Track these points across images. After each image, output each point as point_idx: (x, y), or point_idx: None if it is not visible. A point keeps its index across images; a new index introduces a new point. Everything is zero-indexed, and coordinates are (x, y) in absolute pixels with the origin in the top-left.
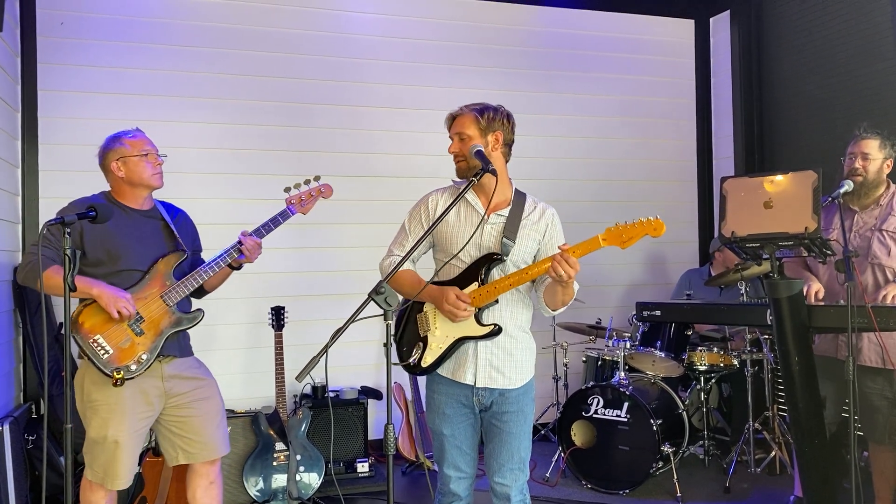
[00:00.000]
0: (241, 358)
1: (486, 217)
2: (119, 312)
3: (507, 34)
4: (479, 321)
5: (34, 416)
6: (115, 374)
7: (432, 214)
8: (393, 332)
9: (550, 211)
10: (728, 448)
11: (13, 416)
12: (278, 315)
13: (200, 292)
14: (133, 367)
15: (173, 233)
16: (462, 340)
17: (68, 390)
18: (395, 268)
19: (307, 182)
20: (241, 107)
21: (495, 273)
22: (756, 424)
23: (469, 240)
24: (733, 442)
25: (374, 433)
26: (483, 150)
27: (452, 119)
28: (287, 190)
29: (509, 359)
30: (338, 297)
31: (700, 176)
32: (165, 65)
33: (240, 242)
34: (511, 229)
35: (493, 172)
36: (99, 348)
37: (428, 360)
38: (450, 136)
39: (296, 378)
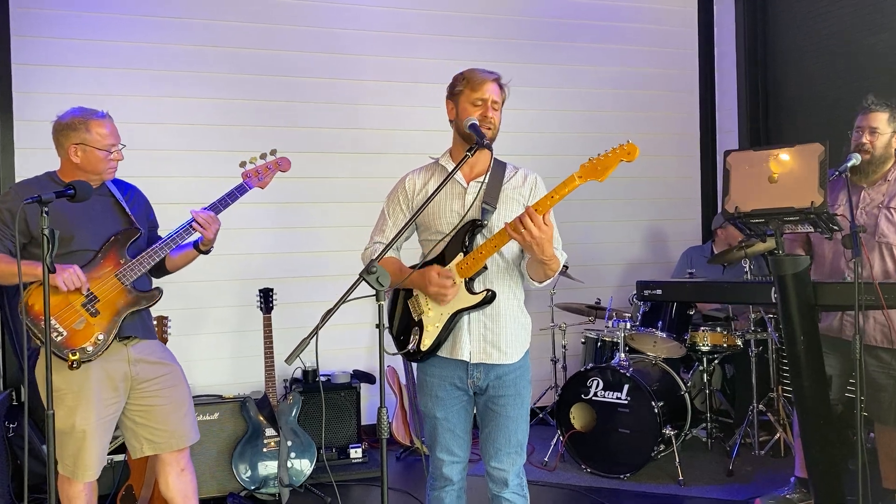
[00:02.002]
0: (229, 342)
1: (466, 187)
2: (65, 284)
3: (500, 3)
4: (470, 290)
5: (15, 403)
6: (70, 356)
7: (411, 196)
8: (387, 314)
9: (534, 175)
10: (731, 430)
11: None
12: (267, 297)
13: (162, 271)
14: (89, 349)
15: (125, 210)
16: (458, 315)
17: (49, 374)
18: (381, 252)
19: (263, 156)
20: (215, 80)
21: (480, 241)
22: (760, 406)
23: (464, 217)
24: (737, 424)
25: (367, 418)
26: (478, 122)
27: (495, 82)
28: (242, 165)
29: (503, 332)
30: (328, 278)
31: (703, 150)
32: (139, 37)
33: (192, 219)
34: (491, 194)
35: (489, 147)
36: (52, 331)
37: (426, 342)
38: (478, 99)
39: (285, 361)
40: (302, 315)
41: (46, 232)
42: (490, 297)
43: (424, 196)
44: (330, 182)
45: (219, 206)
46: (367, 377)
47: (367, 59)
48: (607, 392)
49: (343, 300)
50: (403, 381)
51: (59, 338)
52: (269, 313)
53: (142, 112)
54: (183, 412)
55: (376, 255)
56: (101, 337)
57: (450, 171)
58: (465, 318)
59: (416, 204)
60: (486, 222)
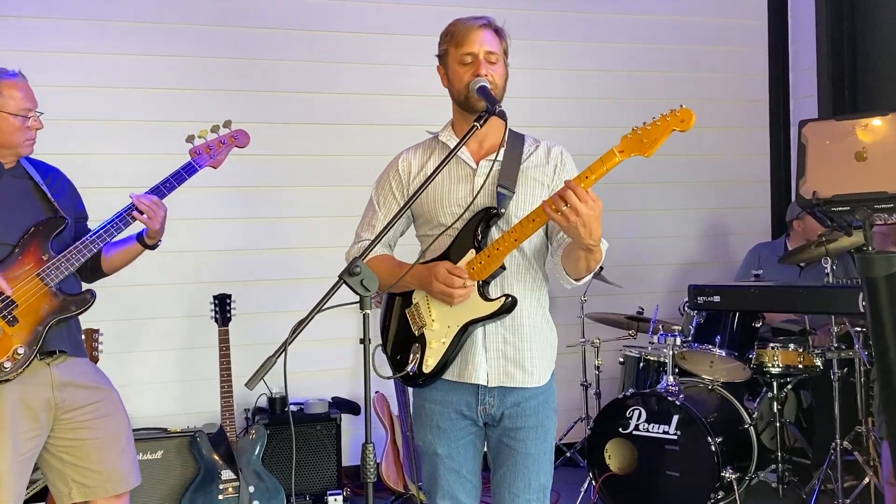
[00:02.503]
0: (175, 361)
1: (476, 167)
2: None
3: None
4: (484, 296)
5: None
6: None
7: (407, 180)
8: (380, 328)
9: (558, 148)
10: (808, 474)
11: None
12: (223, 306)
13: (96, 273)
14: (7, 366)
15: (47, 195)
16: (470, 327)
17: None
18: (367, 248)
19: (215, 129)
20: (155, 30)
21: (495, 234)
22: (845, 443)
23: (473, 204)
24: (815, 466)
25: (349, 458)
26: (487, 85)
27: (486, 28)
28: (190, 139)
29: (527, 346)
30: (300, 281)
31: (773, 121)
32: None
33: (132, 205)
34: (508, 175)
35: (503, 115)
36: None
37: (430, 362)
38: (466, 55)
39: (246, 385)
40: (267, 328)
41: None
42: (510, 305)
43: (423, 179)
44: (302, 161)
45: (162, 189)
46: (350, 406)
47: (350, 5)
48: (652, 425)
49: (318, 309)
50: (395, 410)
51: None
52: (227, 325)
53: (61, 72)
54: (120, 448)
55: (361, 253)
56: (21, 350)
57: (451, 144)
58: (479, 331)
59: (412, 190)
60: (502, 210)
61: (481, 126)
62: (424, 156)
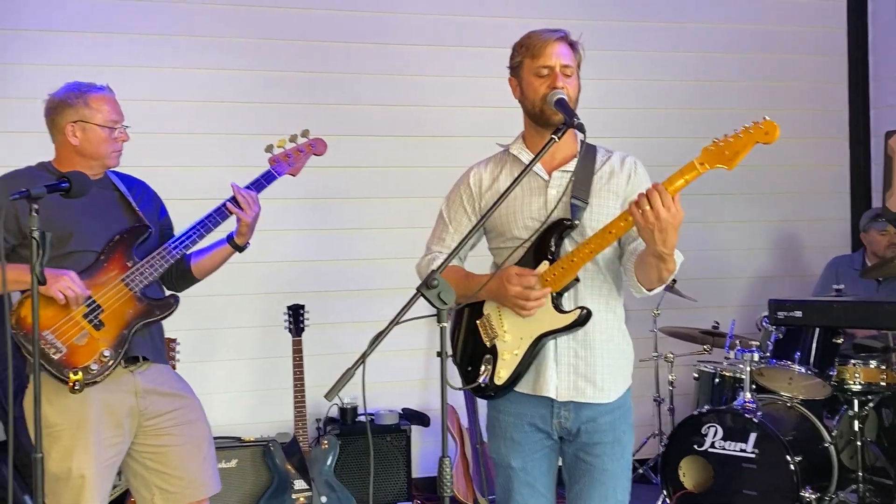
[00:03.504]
0: (249, 371)
1: (548, 179)
2: (62, 293)
3: None
4: (558, 308)
5: None
6: (70, 376)
7: (477, 195)
8: (448, 340)
9: (631, 159)
10: (891, 494)
11: None
12: (297, 316)
13: (186, 279)
14: (94, 368)
15: (132, 205)
16: (543, 339)
17: (38, 409)
18: (443, 261)
19: (293, 138)
20: (229, 46)
21: (568, 246)
22: None
23: (549, 217)
24: None
25: (419, 469)
26: (565, 97)
27: (562, 41)
28: (269, 149)
29: (599, 361)
30: (373, 293)
31: (852, 131)
32: None
33: (232, 197)
34: (581, 187)
35: (582, 128)
36: (48, 347)
37: (503, 374)
38: (543, 68)
39: (325, 396)
40: (339, 338)
41: (36, 234)
42: (584, 318)
43: (495, 194)
44: (373, 172)
45: (253, 189)
46: (420, 417)
47: (421, 18)
48: (728, 442)
49: (396, 321)
50: (465, 422)
51: (58, 355)
52: (300, 336)
53: (142, 87)
54: (202, 455)
55: (438, 266)
56: (107, 353)
57: (524, 161)
58: (552, 344)
59: (484, 204)
60: (576, 222)
61: (559, 138)
62: (496, 169)
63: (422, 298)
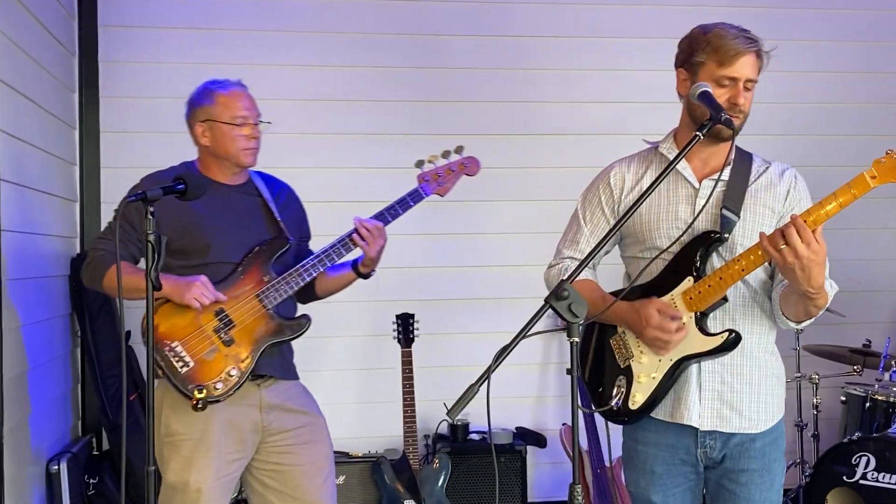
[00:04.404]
0: (355, 382)
1: (698, 187)
2: (198, 301)
3: None
4: (703, 330)
5: (96, 451)
6: (195, 393)
7: (619, 196)
8: (578, 356)
9: (791, 172)
10: None
11: (71, 451)
12: (406, 325)
13: (309, 294)
14: (219, 387)
15: (274, 215)
16: (685, 363)
17: (151, 419)
18: (575, 270)
19: (445, 154)
20: (352, 42)
21: (715, 261)
22: None
23: (691, 226)
24: None
25: (534, 493)
26: (709, 89)
27: (754, 54)
28: (419, 164)
29: (747, 389)
30: (487, 302)
31: None
32: None
33: (354, 230)
34: (733, 198)
35: (729, 124)
36: (176, 359)
37: (638, 398)
38: (727, 78)
39: (448, 415)
40: (450, 350)
41: (151, 238)
42: (732, 342)
43: (637, 196)
44: (492, 174)
45: (386, 215)
46: (536, 437)
47: (543, 8)
48: (882, 474)
49: (523, 334)
50: (585, 444)
51: (185, 369)
52: (410, 346)
53: (272, 85)
54: (322, 476)
55: (568, 275)
56: (233, 372)
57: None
58: (694, 368)
59: (624, 208)
60: (726, 236)
61: (704, 135)
62: (640, 169)
63: (551, 311)
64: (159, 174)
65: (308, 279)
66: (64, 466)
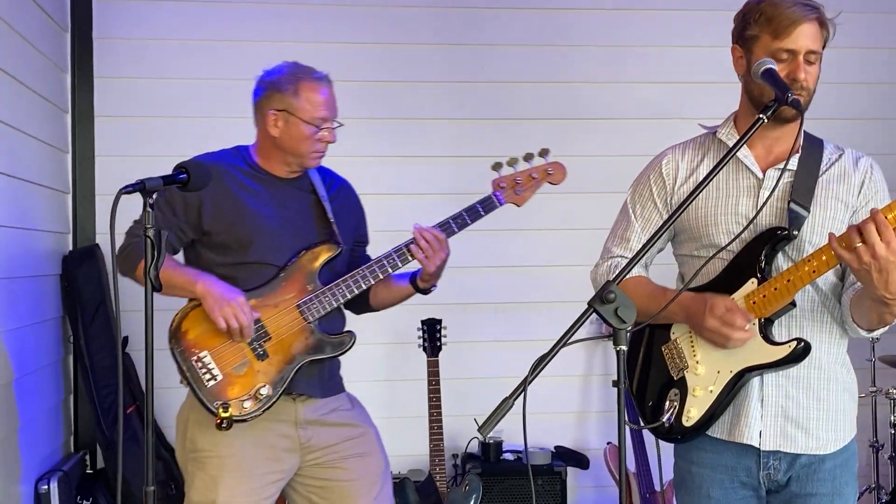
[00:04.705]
0: (376, 396)
1: (762, 177)
2: (225, 321)
3: None
4: (767, 338)
5: (89, 470)
6: (220, 410)
7: (672, 186)
8: (625, 367)
9: (867, 161)
10: None
11: (62, 469)
12: (433, 332)
13: (362, 306)
14: (247, 405)
15: (327, 215)
16: (746, 375)
17: (150, 434)
18: (622, 271)
19: (528, 157)
20: (373, 15)
21: (781, 261)
22: None
23: (753, 221)
24: None
25: None
26: (775, 66)
27: (815, 22)
28: (496, 167)
29: (816, 405)
30: (522, 306)
31: None
32: None
33: (413, 240)
34: (802, 190)
35: (797, 105)
36: (203, 370)
37: (693, 414)
38: (784, 51)
39: (479, 431)
40: (483, 359)
41: (151, 233)
42: (800, 352)
43: (693, 186)
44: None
45: (452, 225)
46: (577, 458)
47: None
48: None
49: (564, 342)
50: (632, 466)
51: (211, 382)
52: (436, 355)
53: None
54: (374, 493)
55: (615, 275)
56: (263, 391)
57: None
58: (756, 381)
59: (678, 199)
60: (794, 233)
61: (768, 118)
62: (695, 156)
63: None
64: (207, 158)
65: (356, 292)
66: (54, 486)
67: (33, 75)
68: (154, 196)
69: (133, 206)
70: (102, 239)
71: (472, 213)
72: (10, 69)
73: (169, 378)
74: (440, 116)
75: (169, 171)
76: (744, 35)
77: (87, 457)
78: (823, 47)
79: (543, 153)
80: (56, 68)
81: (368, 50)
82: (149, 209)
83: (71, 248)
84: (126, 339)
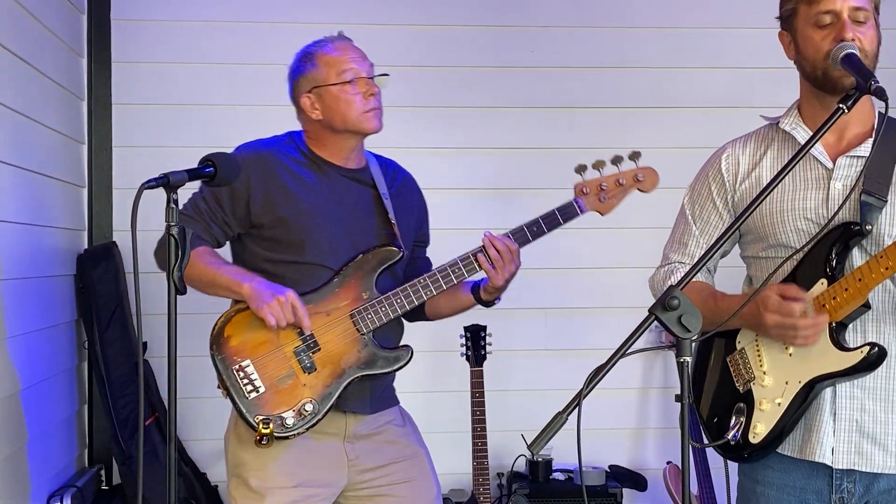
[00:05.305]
0: (415, 408)
1: (832, 167)
2: (275, 318)
3: None
4: (839, 344)
5: (105, 486)
6: (260, 425)
7: (731, 184)
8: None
9: None
10: None
11: (76, 485)
12: (476, 339)
13: (416, 314)
14: (290, 422)
15: (388, 213)
16: (817, 385)
17: (172, 449)
18: (684, 277)
19: (617, 161)
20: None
21: (857, 259)
22: None
23: (830, 219)
24: None
25: None
26: (856, 52)
27: None
28: (580, 170)
29: (892, 417)
30: (575, 312)
31: None
32: None
33: (481, 248)
34: (878, 179)
35: (882, 94)
36: (245, 381)
37: (760, 430)
38: (824, 14)
39: (529, 448)
40: (532, 370)
41: (174, 232)
42: (875, 359)
43: (756, 183)
44: (583, 155)
45: (527, 233)
46: (634, 478)
47: None
48: None
49: (623, 352)
50: (695, 488)
51: (253, 394)
52: (481, 365)
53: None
54: None
55: (679, 280)
56: (308, 407)
57: (799, 141)
58: (828, 392)
59: (740, 197)
60: (869, 227)
61: (849, 109)
62: (757, 150)
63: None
64: (257, 146)
65: (416, 303)
66: (67, 503)
67: (46, 60)
68: (200, 186)
69: (153, 202)
70: (120, 236)
71: (550, 221)
72: (22, 53)
73: (190, 388)
74: (481, 104)
75: (193, 164)
76: (783, 14)
77: (103, 472)
78: (877, 7)
79: (634, 157)
80: (71, 52)
81: (402, 32)
82: (173, 205)
83: (86, 246)
84: (145, 344)
